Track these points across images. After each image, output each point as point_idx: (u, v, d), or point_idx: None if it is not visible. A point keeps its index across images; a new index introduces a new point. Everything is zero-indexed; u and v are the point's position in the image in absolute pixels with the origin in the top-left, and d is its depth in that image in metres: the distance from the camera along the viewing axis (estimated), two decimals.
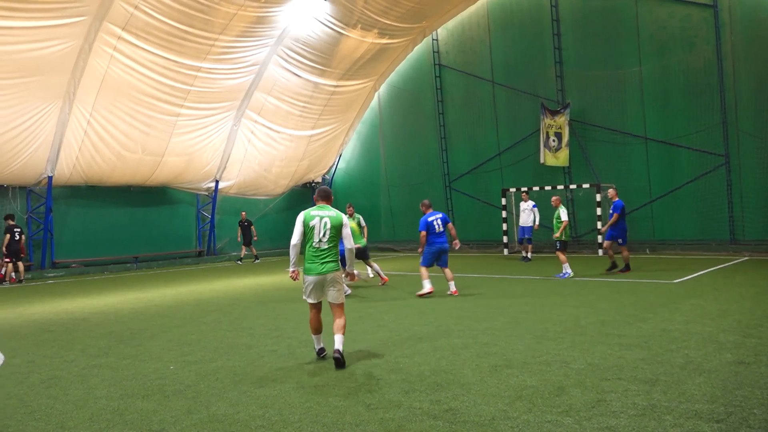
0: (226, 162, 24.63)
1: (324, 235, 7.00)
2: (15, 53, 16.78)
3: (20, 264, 18.32)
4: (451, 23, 25.46)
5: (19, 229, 18.16)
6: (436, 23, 25.29)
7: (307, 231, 7.04)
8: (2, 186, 19.92)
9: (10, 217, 18.42)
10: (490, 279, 15.15)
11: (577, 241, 21.93)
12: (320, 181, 29.74)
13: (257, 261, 24.09)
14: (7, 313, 12.16)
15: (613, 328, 8.23)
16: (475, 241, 24.73)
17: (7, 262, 18.07)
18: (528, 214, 19.48)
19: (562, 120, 21.76)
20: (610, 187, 16.51)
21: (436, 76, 25.93)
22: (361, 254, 13.89)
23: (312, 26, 22.24)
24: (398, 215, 27.22)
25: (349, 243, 7.16)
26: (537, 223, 19.34)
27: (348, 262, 7.36)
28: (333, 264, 7.05)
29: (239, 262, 24.18)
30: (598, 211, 20.14)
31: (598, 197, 20.14)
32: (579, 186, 21.31)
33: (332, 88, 25.35)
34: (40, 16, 16.51)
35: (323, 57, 23.60)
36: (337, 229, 7.06)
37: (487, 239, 24.44)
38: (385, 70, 26.86)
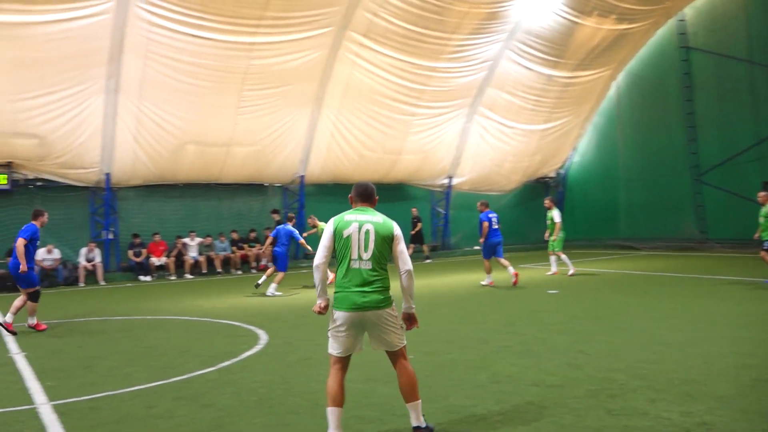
0: (459, 158, 25.10)
1: (365, 249, 4.73)
2: (274, 65, 18.75)
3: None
4: (699, 0, 23.24)
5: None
6: (682, 2, 23.24)
7: (339, 244, 4.81)
8: (263, 185, 22.39)
9: (275, 211, 21.12)
10: (749, 283, 13.54)
11: None
12: (554, 176, 29.01)
13: (428, 261, 23.30)
14: (270, 299, 13.62)
15: None
16: (728, 240, 22.34)
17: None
18: None
19: None
20: None
21: (682, 60, 23.86)
22: None
23: (545, 17, 21.74)
24: (638, 211, 25.56)
25: (407, 263, 4.73)
26: None
27: (410, 292, 4.77)
28: (381, 296, 4.71)
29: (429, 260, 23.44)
30: None
31: None
32: None
33: (566, 80, 24.56)
34: (294, 30, 18.25)
35: (557, 48, 22.96)
36: (386, 242, 4.76)
37: (744, 238, 21.91)
38: (624, 58, 25.33)
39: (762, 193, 13.57)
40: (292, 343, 8.46)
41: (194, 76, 17.96)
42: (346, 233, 4.76)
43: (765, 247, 13.02)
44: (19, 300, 10.12)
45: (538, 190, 28.79)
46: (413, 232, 23.34)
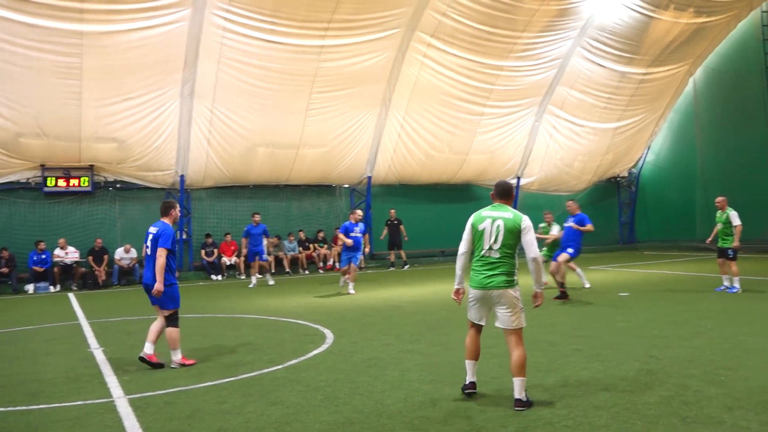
0: (528, 158, 24.72)
1: (495, 241, 5.59)
2: (343, 68, 18.96)
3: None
4: None
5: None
6: None
7: (476, 236, 5.70)
8: (331, 186, 22.65)
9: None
10: None
11: None
12: (626, 175, 28.19)
13: (406, 267, 21.55)
14: (337, 298, 13.79)
15: None
16: None
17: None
18: None
19: None
20: None
21: (765, 54, 22.75)
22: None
23: (618, 12, 21.18)
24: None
25: (532, 251, 5.55)
26: None
27: (535, 276, 5.66)
28: (505, 278, 5.57)
29: (392, 268, 21.72)
30: None
31: None
32: None
33: (640, 77, 23.83)
34: (362, 32, 18.41)
35: (630, 44, 22.31)
36: (513, 234, 5.58)
37: None
38: (702, 52, 24.37)
39: (720, 198, 13.03)
40: (359, 342, 8.52)
41: (265, 80, 18.37)
42: (480, 227, 5.68)
43: (730, 255, 12.47)
44: (156, 324, 7.55)
45: (610, 190, 28.07)
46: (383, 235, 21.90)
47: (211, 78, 17.90)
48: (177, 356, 7.43)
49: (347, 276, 14.61)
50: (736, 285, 12.47)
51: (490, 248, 5.62)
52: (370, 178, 22.33)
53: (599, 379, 6.17)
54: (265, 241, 17.35)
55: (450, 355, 7.50)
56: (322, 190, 22.66)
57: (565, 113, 24.04)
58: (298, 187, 22.04)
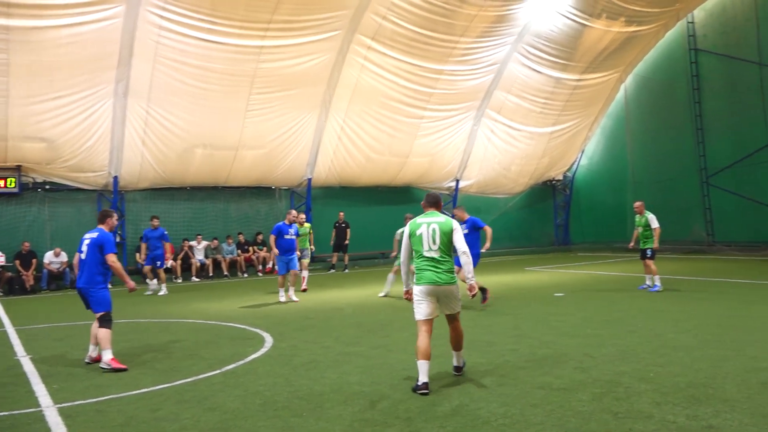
0: (467, 161, 25.07)
1: (434, 242, 6.31)
2: (283, 69, 18.81)
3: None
4: (709, 3, 23.18)
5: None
6: (692, 4, 23.17)
7: (415, 241, 6.42)
8: (270, 188, 22.42)
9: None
10: (757, 286, 13.45)
11: None
12: (561, 178, 28.94)
13: (347, 270, 21.45)
14: (276, 301, 13.62)
15: None
16: (737, 243, 22.25)
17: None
18: None
19: None
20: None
21: (691, 62, 23.78)
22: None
23: (553, 20, 21.73)
24: None
25: (462, 247, 6.35)
26: None
27: (467, 268, 6.47)
28: (450, 275, 6.29)
29: (332, 270, 21.63)
30: None
31: None
32: None
33: (574, 83, 24.52)
34: (302, 33, 18.30)
35: (565, 51, 22.93)
36: (447, 235, 6.33)
37: (753, 241, 21.83)
38: (633, 60, 25.27)
39: (638, 203, 13.60)
40: (298, 345, 8.45)
41: (203, 80, 18.04)
42: (418, 233, 6.42)
43: (648, 255, 13.20)
44: (95, 326, 7.67)
45: (546, 193, 28.75)
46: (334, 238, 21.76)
47: (146, 77, 17.46)
48: (107, 356, 7.40)
49: (287, 287, 13.61)
50: (657, 284, 13.05)
51: (430, 249, 6.31)
52: (310, 180, 22.21)
53: (535, 377, 6.30)
54: (167, 246, 16.88)
55: (390, 357, 7.52)
56: (262, 192, 22.41)
57: (502, 117, 24.50)
58: (236, 189, 21.73)
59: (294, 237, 13.62)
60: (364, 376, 6.66)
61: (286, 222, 13.66)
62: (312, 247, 16.38)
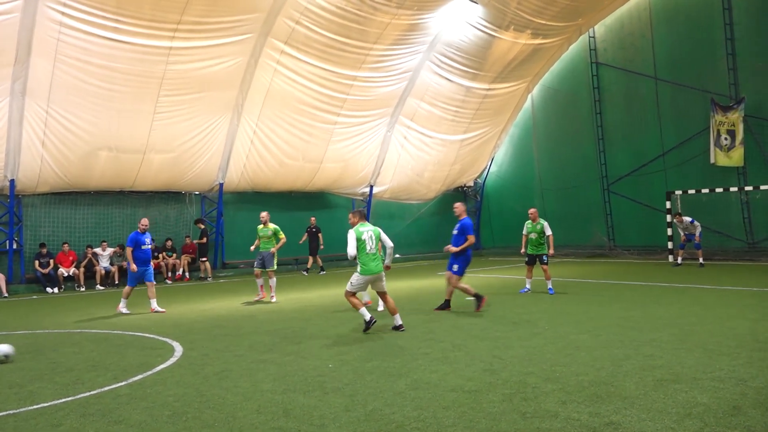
0: (380, 167, 25.27)
1: (373, 244, 9.60)
2: (191, 71, 18.31)
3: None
4: (609, 19, 24.43)
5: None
6: (593, 20, 24.35)
7: (360, 243, 9.54)
8: (180, 192, 21.81)
9: (200, 221, 21.30)
10: (652, 287, 14.27)
11: (754, 248, 20.15)
12: (472, 185, 29.66)
13: (323, 273, 22.16)
14: (184, 309, 13.28)
15: None
16: (635, 247, 23.52)
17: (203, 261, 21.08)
18: (690, 228, 18.70)
19: (736, 116, 20.13)
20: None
21: (593, 75, 24.99)
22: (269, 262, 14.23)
23: (464, 30, 22.25)
24: (552, 220, 26.05)
25: (389, 244, 10.01)
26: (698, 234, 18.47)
27: (389, 257, 10.10)
28: (381, 264, 9.77)
29: (305, 273, 22.19)
30: None
31: None
32: (756, 188, 19.57)
33: (484, 92, 25.19)
34: (212, 35, 17.89)
35: (475, 61, 23.52)
36: (378, 238, 9.77)
37: (648, 245, 23.12)
38: (539, 71, 26.26)
39: (532, 210, 14.18)
40: (209, 354, 8.26)
41: (108, 80, 17.31)
42: (363, 238, 9.58)
43: (545, 261, 13.82)
44: None
45: (458, 199, 29.25)
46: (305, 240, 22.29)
47: (46, 75, 16.59)
48: None
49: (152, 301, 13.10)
50: (551, 287, 13.68)
51: (371, 248, 9.57)
52: (221, 185, 21.74)
53: (447, 380, 6.43)
54: None
55: (304, 363, 7.47)
56: (171, 196, 21.73)
57: (415, 124, 24.85)
58: (144, 194, 20.97)
59: (150, 246, 13.28)
60: (278, 383, 6.59)
61: (139, 231, 13.16)
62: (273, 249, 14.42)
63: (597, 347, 7.77)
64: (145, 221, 13.42)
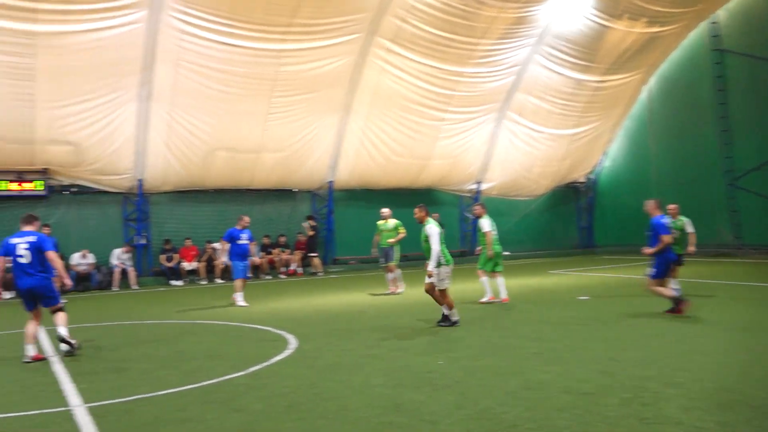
0: (488, 163, 24.99)
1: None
2: (301, 72, 18.91)
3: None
4: (732, 3, 22.86)
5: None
6: (715, 4, 22.87)
7: (441, 237, 9.71)
8: (292, 190, 22.53)
9: (311, 218, 21.69)
10: None
11: None
12: (584, 181, 28.71)
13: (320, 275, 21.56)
14: (298, 303, 13.71)
15: None
16: (765, 246, 21.91)
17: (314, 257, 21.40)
18: None
19: None
20: None
21: (715, 63, 23.47)
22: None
23: (574, 21, 21.58)
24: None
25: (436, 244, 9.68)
26: None
27: (434, 262, 9.64)
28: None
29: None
30: None
31: None
32: None
33: (596, 84, 24.32)
34: (322, 36, 18.39)
35: (586, 52, 22.76)
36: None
37: None
38: (655, 61, 25.00)
39: (672, 206, 13.28)
40: (322, 348, 8.48)
41: (224, 83, 18.20)
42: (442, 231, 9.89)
43: (682, 262, 12.44)
44: (31, 326, 8.35)
45: (568, 195, 28.54)
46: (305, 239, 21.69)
47: (169, 81, 17.66)
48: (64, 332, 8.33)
49: (236, 295, 13.54)
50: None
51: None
52: (331, 182, 22.28)
53: (560, 381, 6.25)
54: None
55: (413, 360, 7.52)
56: (283, 194, 22.53)
57: (523, 119, 24.37)
58: (259, 192, 21.86)
59: (247, 242, 13.60)
60: (388, 378, 6.66)
61: (238, 227, 13.59)
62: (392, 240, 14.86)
63: (723, 352, 7.31)
64: (246, 219, 13.91)
